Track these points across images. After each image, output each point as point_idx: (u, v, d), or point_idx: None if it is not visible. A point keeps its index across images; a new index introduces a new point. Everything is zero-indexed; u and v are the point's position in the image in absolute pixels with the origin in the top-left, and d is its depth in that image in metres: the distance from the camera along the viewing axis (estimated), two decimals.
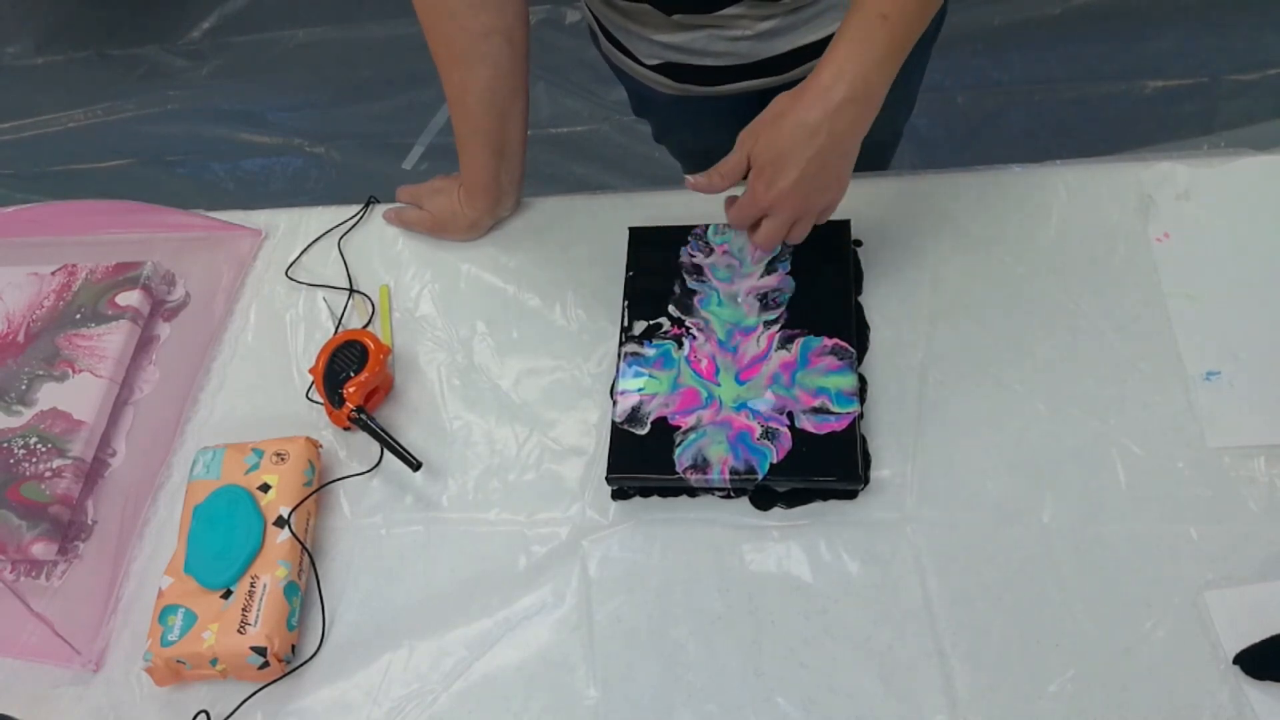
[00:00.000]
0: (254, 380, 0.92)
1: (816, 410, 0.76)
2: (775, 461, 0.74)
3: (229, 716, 0.74)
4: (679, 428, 0.77)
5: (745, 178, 0.73)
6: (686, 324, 0.83)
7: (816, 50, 0.87)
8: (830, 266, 0.83)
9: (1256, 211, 0.83)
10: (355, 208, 1.01)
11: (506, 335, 0.90)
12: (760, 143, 0.70)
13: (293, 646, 0.75)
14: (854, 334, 0.79)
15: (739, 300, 0.83)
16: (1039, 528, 0.71)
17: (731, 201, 0.75)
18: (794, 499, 0.75)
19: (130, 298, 0.94)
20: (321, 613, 0.77)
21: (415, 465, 0.80)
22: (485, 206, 0.93)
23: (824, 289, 0.82)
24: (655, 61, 0.92)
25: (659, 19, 0.86)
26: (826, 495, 0.75)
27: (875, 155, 1.08)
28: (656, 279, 0.86)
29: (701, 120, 1.00)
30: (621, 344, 0.83)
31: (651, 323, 0.83)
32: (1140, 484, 0.72)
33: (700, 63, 0.90)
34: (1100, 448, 0.74)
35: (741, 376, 0.79)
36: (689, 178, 0.74)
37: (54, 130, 2.34)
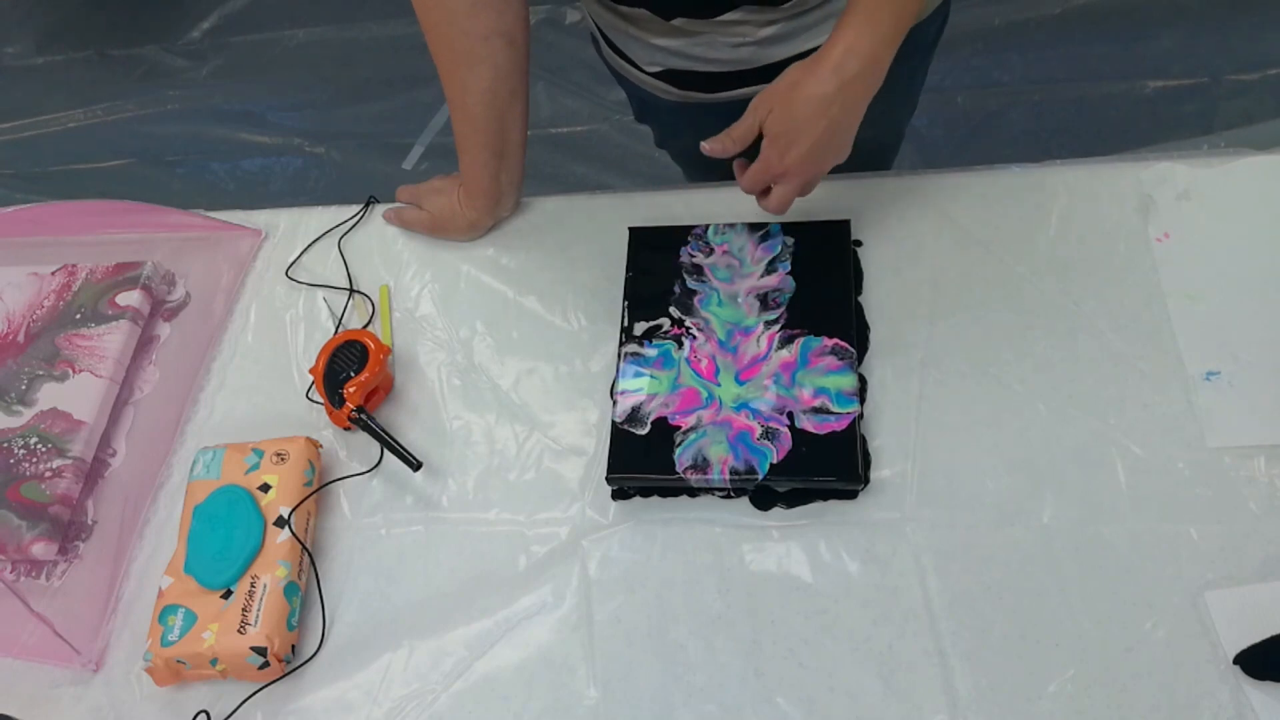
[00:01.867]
0: (254, 380, 0.92)
1: (816, 410, 0.76)
2: (775, 461, 0.74)
3: (229, 716, 0.74)
4: (679, 428, 0.77)
5: (755, 144, 0.76)
6: (687, 324, 0.83)
7: None
8: (830, 266, 0.84)
9: (1256, 211, 0.83)
10: (355, 208, 1.01)
11: (506, 335, 0.90)
12: (775, 114, 0.74)
13: (293, 646, 0.75)
14: (854, 334, 0.79)
15: (739, 300, 0.83)
16: (1039, 528, 0.71)
17: (743, 167, 0.78)
18: (794, 499, 0.75)
19: (130, 298, 0.94)
20: (321, 613, 0.77)
21: (415, 465, 0.80)
22: (485, 207, 0.93)
23: (824, 289, 0.82)
24: (656, 69, 0.92)
25: (659, 24, 0.86)
26: (826, 495, 0.75)
27: (876, 156, 1.08)
28: (657, 279, 0.86)
29: (704, 126, 1.00)
30: (621, 344, 0.83)
31: (652, 323, 0.83)
32: (1140, 484, 0.72)
33: (702, 69, 0.89)
34: (1100, 448, 0.74)
35: (741, 376, 0.79)
36: (704, 144, 0.78)
37: (54, 130, 2.34)
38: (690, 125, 1.04)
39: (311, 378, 0.88)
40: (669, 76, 0.92)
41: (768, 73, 0.90)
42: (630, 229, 0.90)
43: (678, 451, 0.76)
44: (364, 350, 0.85)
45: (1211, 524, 0.70)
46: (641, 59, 0.92)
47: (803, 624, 0.71)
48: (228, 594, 0.75)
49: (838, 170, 0.92)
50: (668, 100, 0.96)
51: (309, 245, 1.00)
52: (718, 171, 0.94)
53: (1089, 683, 0.65)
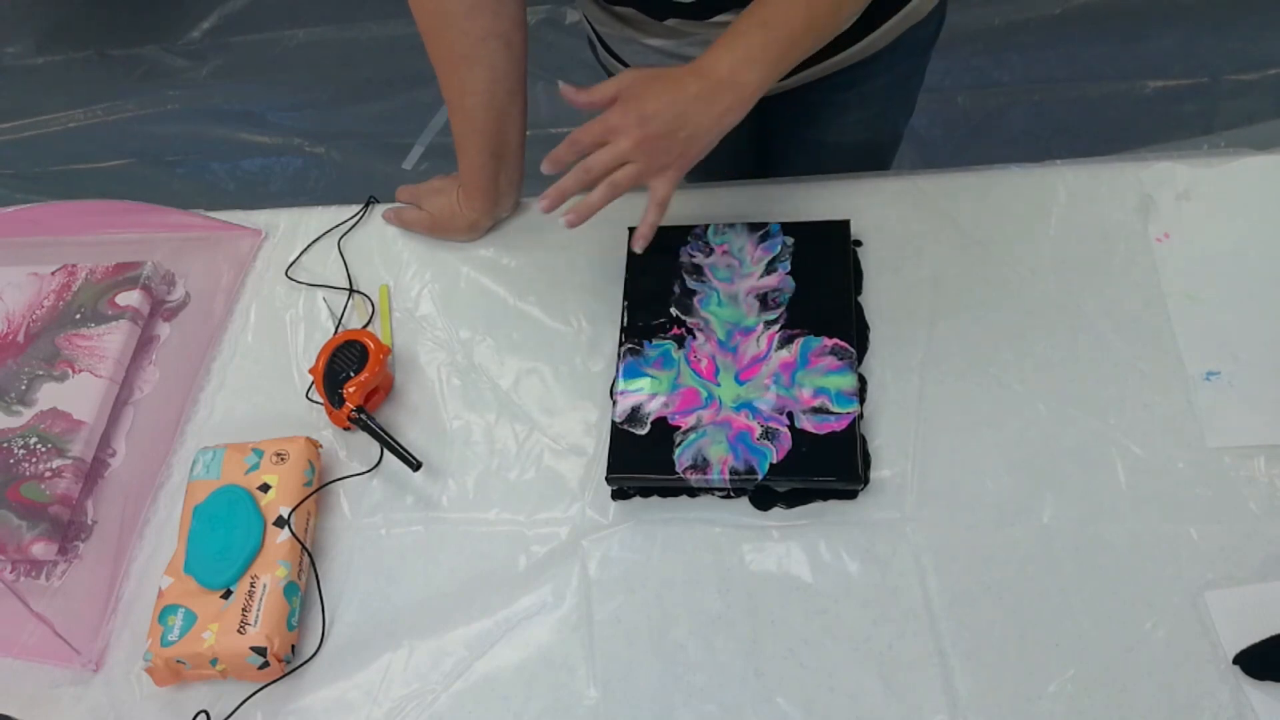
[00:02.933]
0: (254, 380, 0.92)
1: (816, 410, 0.76)
2: (775, 461, 0.74)
3: (229, 716, 0.74)
4: (679, 428, 0.77)
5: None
6: (686, 324, 0.83)
7: (818, 58, 0.87)
8: (830, 266, 0.83)
9: (1256, 211, 0.83)
10: (355, 208, 1.01)
11: (506, 335, 0.90)
12: (635, 80, 0.73)
13: (293, 646, 0.75)
14: (854, 334, 0.79)
15: (739, 300, 0.83)
16: (1039, 528, 0.71)
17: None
18: (794, 499, 0.75)
19: (130, 298, 0.94)
20: (321, 613, 0.77)
21: (415, 465, 0.80)
22: (484, 207, 0.93)
23: (824, 289, 0.82)
24: None
25: (652, 25, 0.86)
26: (826, 495, 0.75)
27: (875, 156, 1.08)
28: (656, 279, 0.86)
29: None
30: (621, 344, 0.83)
31: (651, 323, 0.83)
32: (1140, 484, 0.72)
33: None
34: (1100, 448, 0.74)
35: (741, 376, 0.79)
36: (562, 84, 0.77)
37: (54, 130, 2.34)
38: None
39: (311, 378, 0.88)
40: None
41: None
42: (630, 229, 0.90)
43: (677, 451, 0.76)
44: (364, 350, 0.85)
45: (1211, 524, 0.70)
46: (636, 62, 0.92)
47: (803, 624, 0.71)
48: (228, 594, 0.75)
49: (837, 170, 0.92)
50: None
51: (309, 245, 1.00)
52: (717, 172, 0.94)
53: (1089, 683, 0.65)
